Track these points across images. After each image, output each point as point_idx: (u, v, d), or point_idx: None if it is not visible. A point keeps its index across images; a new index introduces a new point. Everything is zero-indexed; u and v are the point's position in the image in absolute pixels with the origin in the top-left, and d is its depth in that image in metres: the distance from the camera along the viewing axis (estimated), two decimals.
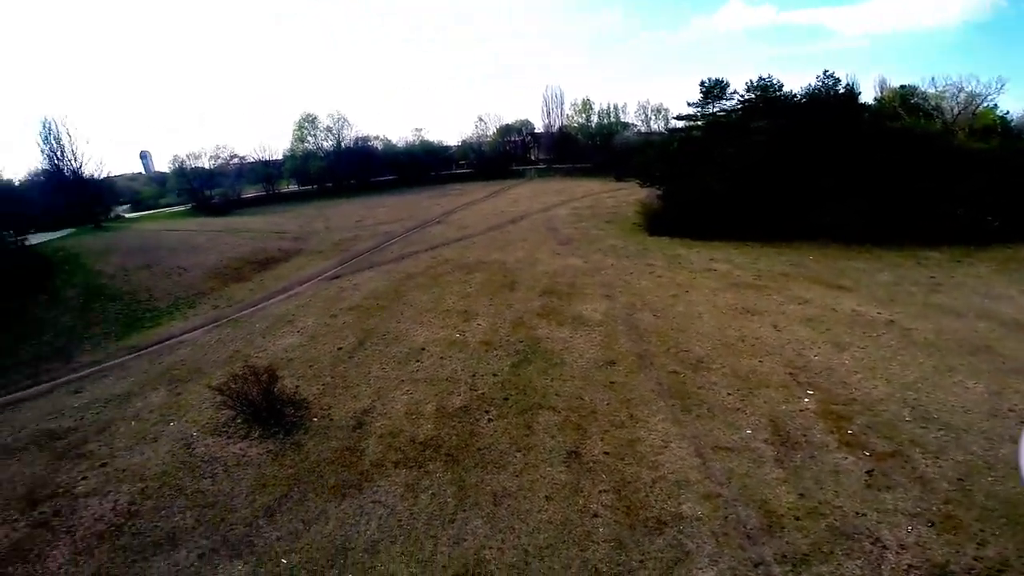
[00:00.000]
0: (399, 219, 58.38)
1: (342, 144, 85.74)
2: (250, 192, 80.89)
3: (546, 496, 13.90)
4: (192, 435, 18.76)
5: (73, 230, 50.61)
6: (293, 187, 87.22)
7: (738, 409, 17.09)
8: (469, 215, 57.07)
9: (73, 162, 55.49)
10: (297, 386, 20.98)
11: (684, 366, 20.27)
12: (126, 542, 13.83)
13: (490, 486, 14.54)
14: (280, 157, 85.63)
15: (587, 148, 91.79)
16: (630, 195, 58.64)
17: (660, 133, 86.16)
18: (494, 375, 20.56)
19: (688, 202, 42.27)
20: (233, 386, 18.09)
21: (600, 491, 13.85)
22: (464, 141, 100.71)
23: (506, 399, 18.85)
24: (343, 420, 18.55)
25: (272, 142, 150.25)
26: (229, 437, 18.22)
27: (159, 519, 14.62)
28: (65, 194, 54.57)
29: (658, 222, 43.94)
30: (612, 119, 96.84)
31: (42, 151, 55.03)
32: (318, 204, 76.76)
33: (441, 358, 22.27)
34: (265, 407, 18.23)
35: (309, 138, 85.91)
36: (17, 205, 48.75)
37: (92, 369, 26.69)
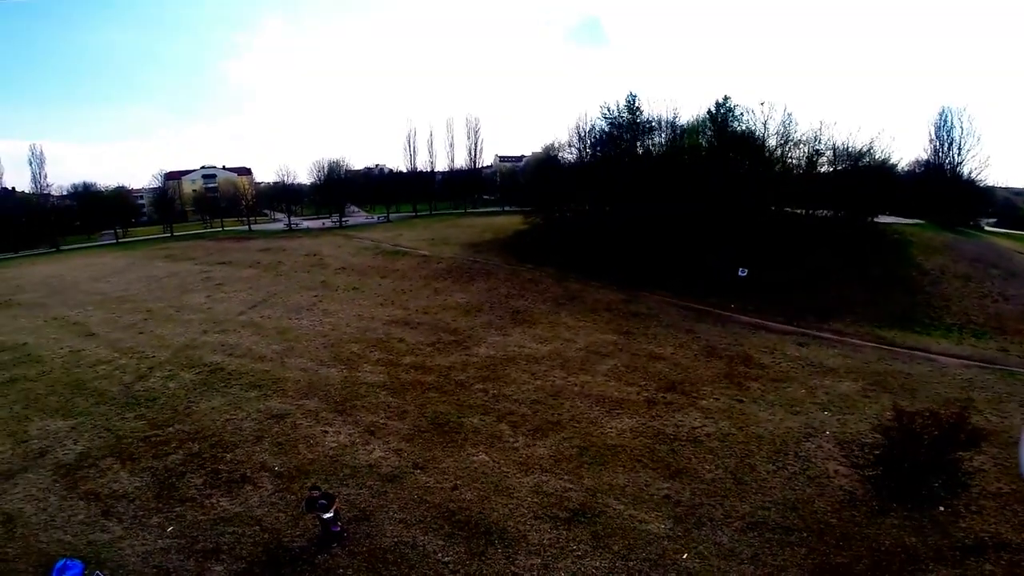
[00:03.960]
0: None
1: None
2: None
3: None
4: (825, 433, 16.51)
5: (923, 222, 49.25)
6: None
7: None
8: None
9: (956, 158, 51.52)
10: (982, 468, 13.82)
11: None
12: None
13: None
14: None
15: None
16: None
17: None
18: None
19: None
20: (903, 423, 13.47)
21: None
22: None
23: None
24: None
25: None
26: (854, 465, 14.71)
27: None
28: (935, 188, 52.21)
29: None
30: None
31: (931, 143, 53.41)
32: None
33: None
34: (917, 466, 12.91)
35: None
36: (892, 188, 50.42)
37: (831, 336, 27.18)
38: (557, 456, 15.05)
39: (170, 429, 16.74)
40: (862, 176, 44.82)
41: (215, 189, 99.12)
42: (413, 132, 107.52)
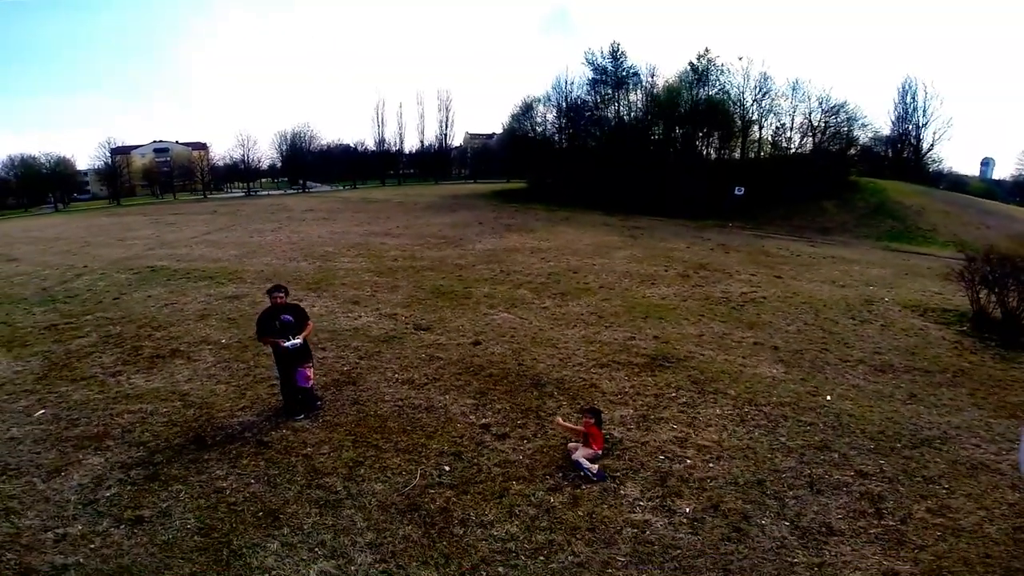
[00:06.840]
0: None
1: None
2: None
3: None
4: (884, 300, 13.85)
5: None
6: None
7: None
8: None
9: (921, 120, 51.95)
10: None
11: None
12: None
13: None
14: None
15: None
16: None
17: None
18: None
19: None
20: (978, 263, 10.93)
21: None
22: None
23: None
24: None
25: None
26: (937, 322, 11.78)
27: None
28: (900, 157, 53.02)
29: None
30: None
31: (896, 108, 53.72)
32: None
33: None
34: (1009, 315, 10.37)
35: None
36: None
37: (833, 240, 25.52)
38: (599, 313, 11.44)
39: (87, 317, 11.76)
40: (828, 156, 43.71)
41: (168, 163, 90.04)
42: (382, 103, 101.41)
